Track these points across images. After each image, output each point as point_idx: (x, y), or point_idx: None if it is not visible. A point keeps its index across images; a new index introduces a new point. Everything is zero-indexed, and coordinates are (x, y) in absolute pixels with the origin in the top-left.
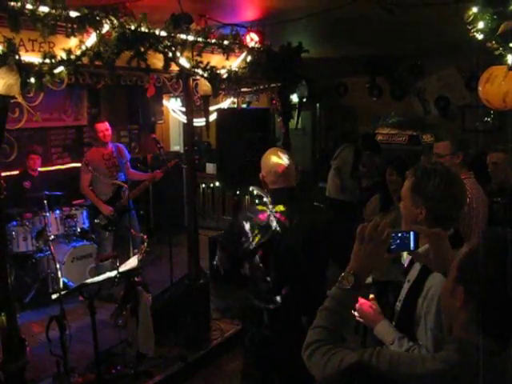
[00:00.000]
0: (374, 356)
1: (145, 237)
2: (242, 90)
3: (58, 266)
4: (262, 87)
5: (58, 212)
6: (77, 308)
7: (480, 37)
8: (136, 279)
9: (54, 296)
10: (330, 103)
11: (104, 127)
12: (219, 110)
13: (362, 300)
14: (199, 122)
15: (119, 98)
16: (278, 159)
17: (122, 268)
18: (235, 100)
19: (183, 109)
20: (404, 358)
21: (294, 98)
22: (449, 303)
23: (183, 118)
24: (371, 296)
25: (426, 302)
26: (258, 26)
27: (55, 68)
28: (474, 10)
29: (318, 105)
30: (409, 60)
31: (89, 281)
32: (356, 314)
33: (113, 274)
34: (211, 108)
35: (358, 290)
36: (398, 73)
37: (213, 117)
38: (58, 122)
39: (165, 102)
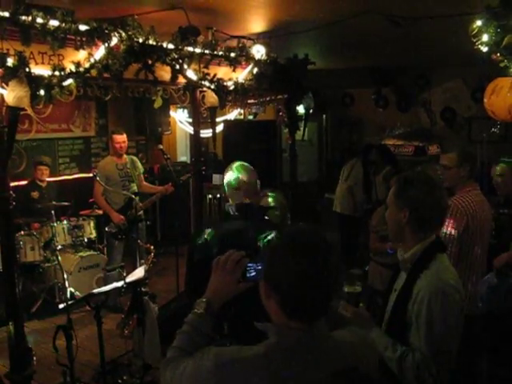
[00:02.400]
0: (205, 353)
1: (151, 247)
2: (249, 101)
3: (65, 275)
4: (268, 99)
5: (65, 222)
6: (84, 318)
7: (485, 49)
8: (143, 289)
9: (61, 306)
10: (336, 114)
11: (122, 139)
12: (226, 122)
13: (352, 308)
14: (206, 133)
15: (126, 109)
16: (234, 173)
17: (129, 278)
18: (242, 111)
19: (190, 120)
20: (230, 348)
21: (301, 109)
22: (263, 298)
23: (190, 129)
24: (361, 305)
25: (416, 306)
26: (264, 37)
27: (64, 80)
28: (479, 23)
29: (324, 116)
30: (415, 71)
31: (96, 291)
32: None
33: (119, 284)
34: (218, 119)
35: (211, 314)
36: (404, 84)
37: (219, 128)
38: (66, 132)
39: (172, 112)
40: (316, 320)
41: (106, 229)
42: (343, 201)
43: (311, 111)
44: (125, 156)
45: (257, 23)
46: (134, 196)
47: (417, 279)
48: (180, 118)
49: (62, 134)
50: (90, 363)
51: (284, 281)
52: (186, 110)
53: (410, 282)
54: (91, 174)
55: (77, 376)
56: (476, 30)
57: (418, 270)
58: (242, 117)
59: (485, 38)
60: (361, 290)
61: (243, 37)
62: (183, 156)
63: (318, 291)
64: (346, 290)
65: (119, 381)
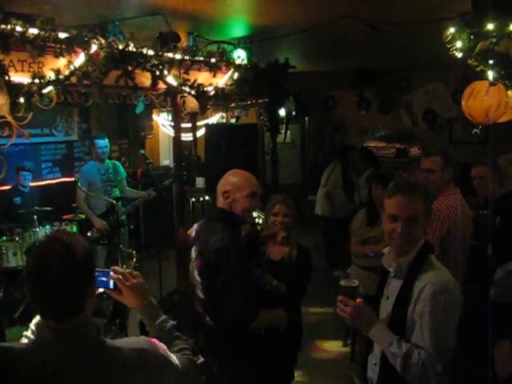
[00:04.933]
0: None
1: (134, 252)
2: (231, 105)
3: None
4: (249, 103)
5: (48, 227)
6: None
7: (459, 55)
8: None
9: None
10: (319, 117)
11: (104, 144)
12: (207, 126)
13: (353, 303)
14: (188, 136)
15: (109, 113)
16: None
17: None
18: (224, 115)
19: (173, 123)
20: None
21: (282, 112)
22: None
23: (173, 133)
24: (359, 299)
25: (419, 306)
26: (245, 42)
27: (44, 88)
28: (452, 30)
29: (307, 118)
30: (397, 74)
31: None
32: (347, 318)
33: (101, 290)
34: (200, 123)
35: None
36: (385, 86)
37: (201, 132)
38: (48, 137)
39: (154, 116)
40: (63, 320)
41: (88, 234)
42: (323, 204)
43: (293, 114)
44: (107, 161)
45: (237, 28)
46: (115, 202)
47: (414, 281)
48: (163, 121)
49: (44, 138)
50: None
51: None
52: (168, 114)
53: (409, 285)
54: (74, 179)
55: None
56: (450, 37)
57: (415, 272)
58: (224, 120)
59: (458, 44)
60: (357, 285)
61: (224, 42)
62: (166, 160)
63: (44, 291)
64: (342, 284)
65: None
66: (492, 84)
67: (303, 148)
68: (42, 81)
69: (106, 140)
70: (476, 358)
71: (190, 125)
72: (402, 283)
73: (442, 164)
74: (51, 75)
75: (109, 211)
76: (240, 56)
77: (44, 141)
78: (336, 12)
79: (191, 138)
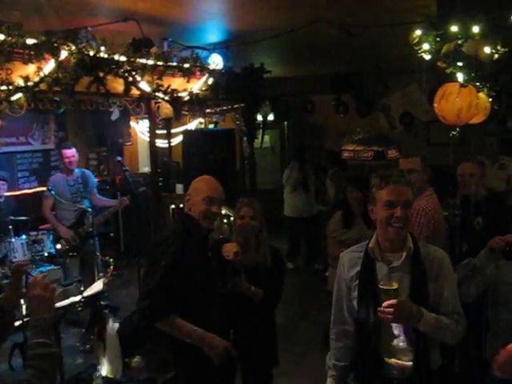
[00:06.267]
0: None
1: (110, 260)
2: (207, 111)
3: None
4: (225, 108)
5: (24, 237)
6: None
7: (427, 57)
8: (102, 303)
9: (16, 323)
10: (297, 121)
11: (70, 153)
12: (185, 132)
13: (397, 301)
14: (166, 143)
15: (86, 121)
16: None
17: (87, 292)
18: (202, 120)
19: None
20: None
21: (260, 117)
22: None
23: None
24: (395, 285)
25: (441, 279)
26: (220, 48)
27: (13, 95)
28: (418, 32)
29: (286, 123)
30: (374, 77)
31: None
32: (393, 319)
33: (77, 298)
34: (178, 129)
35: None
36: (363, 90)
37: (179, 138)
38: (24, 145)
39: (133, 123)
40: None
41: (57, 246)
42: (291, 202)
43: (270, 118)
44: (76, 171)
45: (212, 34)
46: (87, 209)
47: (424, 266)
48: (141, 128)
49: (20, 147)
50: None
51: None
52: (146, 121)
53: (420, 269)
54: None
55: None
56: (416, 39)
57: (418, 255)
58: (202, 126)
59: (425, 46)
60: (397, 287)
61: (199, 47)
62: (145, 167)
63: None
64: (381, 287)
65: None
66: (462, 86)
67: (283, 152)
68: (11, 87)
69: (73, 149)
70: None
71: (164, 131)
72: (414, 272)
73: (422, 164)
74: (20, 82)
75: (78, 222)
76: (215, 61)
77: (20, 150)
78: (309, 16)
79: (167, 145)
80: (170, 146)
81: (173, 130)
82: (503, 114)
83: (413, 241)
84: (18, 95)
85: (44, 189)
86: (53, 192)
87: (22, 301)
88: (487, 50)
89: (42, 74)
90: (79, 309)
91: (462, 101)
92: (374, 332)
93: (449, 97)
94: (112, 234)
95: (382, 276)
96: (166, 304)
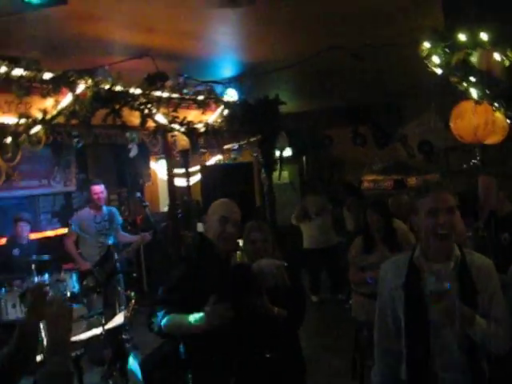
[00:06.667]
0: None
1: (132, 294)
2: (225, 147)
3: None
4: (242, 142)
5: (46, 276)
6: None
7: (439, 71)
8: (124, 337)
9: (38, 358)
10: (316, 156)
11: (99, 190)
12: (203, 167)
13: (448, 302)
14: (184, 181)
15: (107, 162)
16: None
17: (109, 325)
18: (221, 157)
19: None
20: None
21: (277, 152)
22: None
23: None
24: (447, 285)
25: (491, 288)
26: (235, 81)
27: (31, 128)
28: (426, 45)
29: (304, 158)
30: (389, 107)
31: (73, 338)
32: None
33: (98, 331)
34: (196, 168)
35: None
36: (379, 121)
37: (197, 177)
38: (46, 188)
39: (152, 163)
40: None
41: (84, 283)
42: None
43: (287, 151)
44: (104, 208)
45: (226, 68)
46: (113, 245)
47: (471, 274)
48: (160, 168)
49: (42, 190)
50: None
51: None
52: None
53: (469, 278)
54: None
55: None
56: (426, 52)
57: (464, 263)
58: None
59: (435, 59)
60: (448, 288)
61: (214, 81)
62: (165, 207)
63: None
64: (431, 289)
65: None
66: (477, 103)
67: (302, 188)
68: (29, 120)
69: (102, 186)
70: None
71: (183, 170)
72: (462, 279)
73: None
74: (38, 115)
75: (104, 259)
76: (230, 94)
77: (42, 193)
78: (321, 44)
79: (186, 184)
80: (189, 180)
81: (191, 169)
82: None
83: (459, 248)
84: (37, 128)
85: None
86: (73, 227)
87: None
88: (497, 57)
89: (59, 108)
90: (101, 342)
91: (478, 118)
92: (424, 344)
93: (465, 115)
94: (135, 274)
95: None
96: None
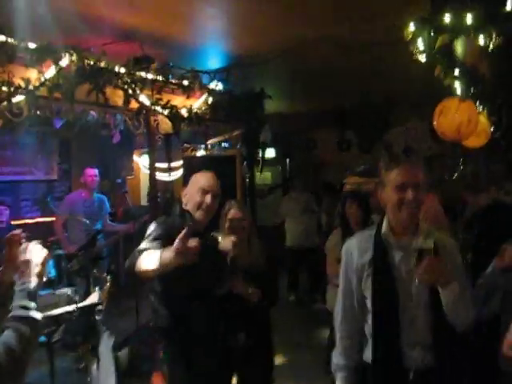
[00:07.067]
0: None
1: (108, 277)
2: (208, 142)
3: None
4: (226, 136)
5: None
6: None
7: (423, 58)
8: (97, 317)
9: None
10: (300, 158)
11: (93, 172)
12: (185, 157)
13: (433, 259)
14: (165, 176)
15: (90, 154)
16: None
17: (82, 303)
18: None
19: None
20: None
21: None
22: None
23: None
24: (431, 244)
25: (454, 264)
26: (221, 73)
27: (13, 96)
28: (412, 27)
29: (288, 160)
30: (375, 113)
31: (46, 314)
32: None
33: (71, 307)
34: (179, 163)
35: None
36: (365, 126)
37: (180, 172)
38: (28, 175)
39: (135, 157)
40: None
41: (68, 266)
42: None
43: (271, 153)
44: (95, 194)
45: (213, 58)
46: (99, 231)
47: (437, 246)
48: (144, 163)
49: (24, 176)
50: None
51: None
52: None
53: (435, 250)
54: (53, 218)
55: None
56: (410, 35)
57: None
58: None
59: (420, 44)
60: (432, 246)
61: (200, 71)
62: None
63: None
64: (417, 246)
65: None
66: (461, 100)
67: (285, 191)
68: (11, 89)
69: (96, 170)
70: None
71: (165, 165)
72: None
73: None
74: (21, 83)
75: (89, 244)
76: (217, 85)
77: (23, 179)
78: (309, 34)
79: (169, 178)
80: (170, 166)
81: (174, 164)
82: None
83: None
84: (20, 97)
85: (47, 219)
86: (62, 207)
87: None
88: (481, 41)
89: (42, 79)
90: (73, 323)
91: (461, 115)
92: (393, 320)
93: (448, 112)
94: (113, 267)
95: (398, 261)
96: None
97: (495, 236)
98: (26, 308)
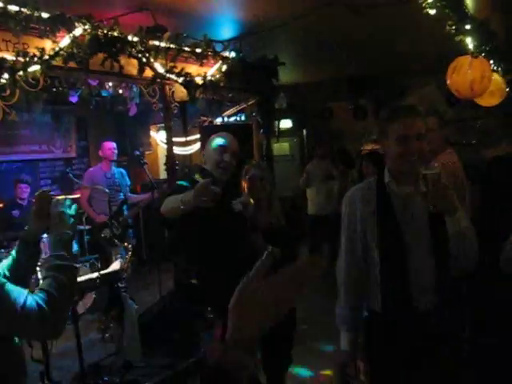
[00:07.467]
0: None
1: (129, 246)
2: (224, 114)
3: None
4: (241, 106)
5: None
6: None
7: (432, 12)
8: (120, 285)
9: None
10: (316, 128)
11: (112, 145)
12: (201, 127)
13: (441, 183)
14: (184, 150)
15: (107, 131)
16: None
17: (105, 271)
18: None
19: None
20: None
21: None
22: None
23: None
24: (437, 169)
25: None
26: (234, 42)
27: (29, 66)
28: None
29: (304, 130)
30: (390, 80)
31: None
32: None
33: (94, 275)
34: (195, 137)
35: None
36: (380, 94)
37: (197, 146)
38: (46, 153)
39: (152, 133)
40: None
41: (102, 234)
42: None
43: (288, 125)
44: (114, 167)
45: (225, 27)
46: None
47: None
48: (161, 138)
49: (42, 155)
50: (71, 368)
51: None
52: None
53: None
54: (73, 196)
55: (56, 380)
56: None
57: None
58: None
59: None
60: (439, 172)
61: (214, 40)
62: (165, 176)
63: None
64: (425, 172)
65: (99, 382)
66: (473, 56)
67: (303, 160)
68: (27, 59)
69: (114, 143)
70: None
71: (183, 139)
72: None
73: (439, 123)
74: (36, 53)
75: (118, 212)
76: (231, 54)
77: (42, 157)
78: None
79: (186, 152)
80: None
81: (190, 137)
82: None
83: None
84: (35, 67)
85: (68, 196)
86: (85, 181)
87: None
88: None
89: (57, 48)
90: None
91: (474, 72)
92: (401, 266)
93: (460, 69)
94: (134, 243)
95: (401, 207)
96: None
97: (501, 184)
98: (64, 257)
